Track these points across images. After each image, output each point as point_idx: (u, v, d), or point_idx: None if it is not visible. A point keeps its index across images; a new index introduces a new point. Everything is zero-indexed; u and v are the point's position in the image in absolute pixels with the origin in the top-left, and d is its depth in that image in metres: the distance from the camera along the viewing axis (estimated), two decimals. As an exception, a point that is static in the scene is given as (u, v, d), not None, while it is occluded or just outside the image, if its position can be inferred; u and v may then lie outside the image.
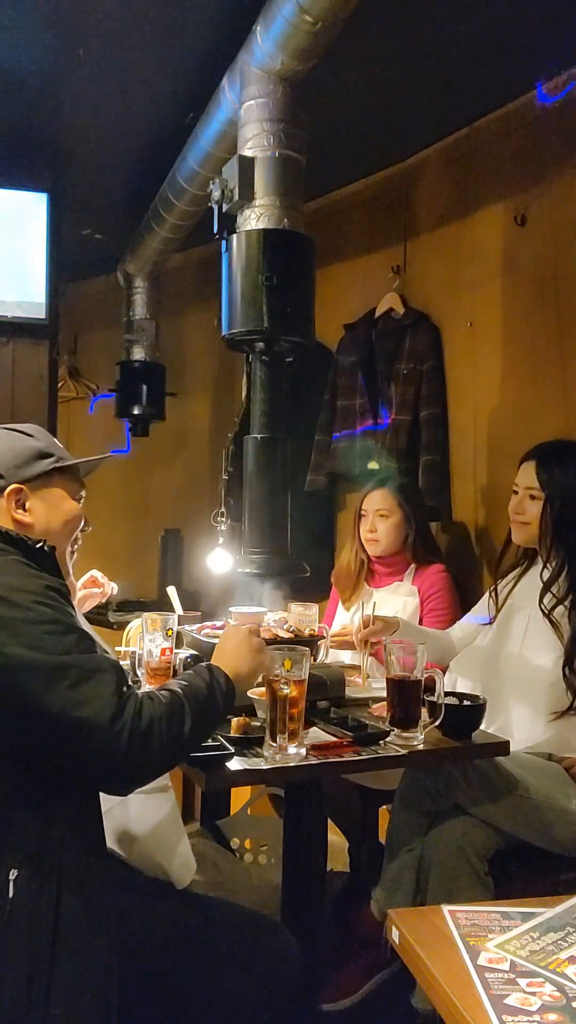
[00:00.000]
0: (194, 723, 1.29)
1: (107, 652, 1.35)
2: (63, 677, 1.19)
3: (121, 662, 1.62)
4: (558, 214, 2.57)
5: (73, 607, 1.36)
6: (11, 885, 1.19)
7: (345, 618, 2.63)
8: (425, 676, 1.70)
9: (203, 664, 1.44)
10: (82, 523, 1.54)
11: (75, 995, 1.19)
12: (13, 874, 1.19)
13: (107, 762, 1.21)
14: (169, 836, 1.52)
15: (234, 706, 1.46)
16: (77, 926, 1.22)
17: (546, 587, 2.01)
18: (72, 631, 1.25)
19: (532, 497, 2.09)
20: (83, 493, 1.55)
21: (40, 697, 1.18)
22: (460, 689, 2.07)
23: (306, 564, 2.48)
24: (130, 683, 1.28)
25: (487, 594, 2.27)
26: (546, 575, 2.03)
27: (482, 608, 2.29)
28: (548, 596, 2.00)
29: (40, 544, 1.37)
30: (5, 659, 1.19)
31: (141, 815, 1.52)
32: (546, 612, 1.98)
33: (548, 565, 2.06)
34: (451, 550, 2.96)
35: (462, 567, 2.86)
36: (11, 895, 1.19)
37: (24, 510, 1.43)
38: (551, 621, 1.98)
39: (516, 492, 2.16)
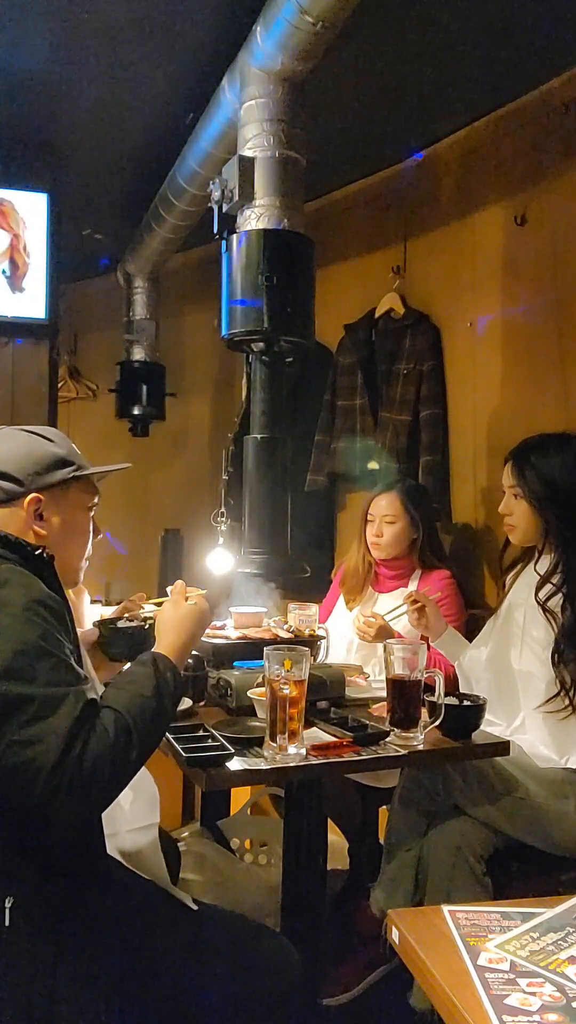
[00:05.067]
0: (141, 747, 1.19)
1: (85, 674, 1.25)
2: (20, 712, 1.12)
3: None
4: (558, 214, 2.57)
5: (70, 620, 1.31)
6: (7, 913, 1.16)
7: (347, 618, 2.62)
8: (425, 676, 1.70)
9: (150, 661, 1.33)
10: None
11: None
12: (9, 902, 1.16)
13: (43, 813, 1.10)
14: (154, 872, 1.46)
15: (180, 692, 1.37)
16: (78, 955, 1.19)
17: (544, 579, 2.00)
18: (47, 656, 1.17)
19: (516, 496, 2.08)
20: (96, 500, 1.51)
21: None
22: (476, 692, 2.06)
23: (306, 564, 2.48)
24: (92, 711, 1.17)
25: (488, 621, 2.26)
26: (542, 568, 2.03)
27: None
28: (545, 588, 1.99)
29: (39, 551, 1.32)
30: None
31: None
32: (541, 603, 1.97)
33: (544, 558, 2.05)
34: (451, 550, 2.96)
35: (462, 567, 2.85)
36: (7, 923, 1.16)
37: (42, 520, 1.39)
38: (548, 612, 1.96)
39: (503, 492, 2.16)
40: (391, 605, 2.54)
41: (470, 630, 2.44)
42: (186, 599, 1.51)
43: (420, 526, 2.59)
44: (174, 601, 1.50)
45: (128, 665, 1.38)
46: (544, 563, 2.03)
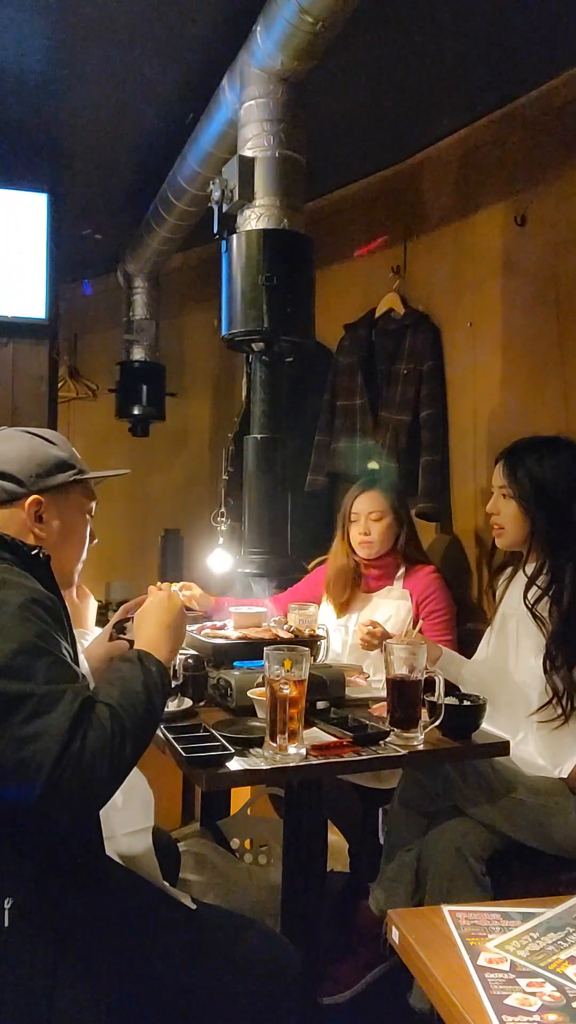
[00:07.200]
0: (135, 742, 1.20)
1: (83, 673, 1.26)
2: (19, 709, 1.12)
3: None
4: (558, 214, 2.57)
5: (67, 619, 1.31)
6: (6, 914, 1.16)
7: (339, 620, 2.60)
8: (425, 676, 1.70)
9: (136, 658, 1.33)
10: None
11: None
12: (8, 902, 1.16)
13: (44, 809, 1.11)
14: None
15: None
16: (78, 955, 1.19)
17: (531, 581, 1.99)
18: (44, 654, 1.17)
19: (504, 496, 2.07)
20: (94, 505, 1.51)
21: None
22: None
23: (305, 564, 2.48)
24: (89, 707, 1.17)
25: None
26: (530, 570, 2.02)
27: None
28: (532, 591, 1.98)
29: (36, 551, 1.32)
30: None
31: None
32: (530, 607, 1.96)
33: (531, 561, 2.04)
34: (450, 551, 2.96)
35: (461, 567, 2.85)
36: (7, 923, 1.16)
37: (41, 522, 1.40)
38: (538, 618, 1.95)
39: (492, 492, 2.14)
40: (380, 605, 2.53)
41: (469, 643, 2.41)
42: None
43: (403, 523, 2.57)
44: (149, 598, 1.53)
45: (116, 662, 1.38)
46: (531, 566, 2.02)
